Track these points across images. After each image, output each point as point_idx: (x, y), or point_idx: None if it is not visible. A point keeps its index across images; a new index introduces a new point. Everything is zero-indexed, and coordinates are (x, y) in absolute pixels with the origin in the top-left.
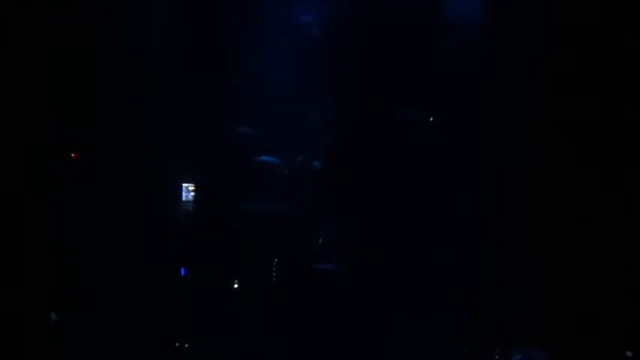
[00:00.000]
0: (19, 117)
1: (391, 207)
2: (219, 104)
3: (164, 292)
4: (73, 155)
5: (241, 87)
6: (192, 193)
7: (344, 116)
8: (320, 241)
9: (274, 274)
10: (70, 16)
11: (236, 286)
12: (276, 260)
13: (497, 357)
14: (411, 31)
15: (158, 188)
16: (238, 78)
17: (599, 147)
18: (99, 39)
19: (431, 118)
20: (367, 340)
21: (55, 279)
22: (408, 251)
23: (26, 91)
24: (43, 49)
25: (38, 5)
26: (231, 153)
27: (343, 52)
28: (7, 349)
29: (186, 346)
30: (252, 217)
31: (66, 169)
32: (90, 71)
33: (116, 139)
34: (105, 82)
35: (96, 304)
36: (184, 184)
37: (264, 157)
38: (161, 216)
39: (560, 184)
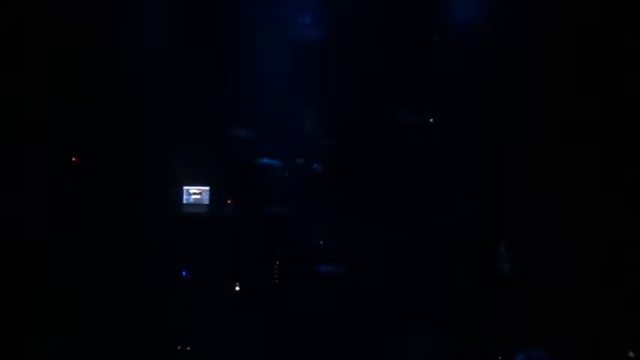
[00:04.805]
0: (19, 120)
1: (392, 207)
2: (220, 107)
3: (165, 294)
4: (74, 159)
5: (241, 90)
6: (194, 196)
7: (344, 117)
8: (321, 243)
9: (276, 275)
10: (70, 16)
11: (237, 288)
12: (277, 262)
13: (500, 357)
14: (411, 31)
15: (159, 191)
16: (238, 81)
17: (599, 147)
18: (99, 39)
19: (431, 120)
20: (369, 340)
21: (57, 281)
22: (409, 251)
23: (26, 94)
24: (43, 51)
25: (38, 5)
26: (231, 156)
27: (342, 52)
28: (8, 350)
29: (188, 348)
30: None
31: (67, 172)
32: (89, 73)
33: (117, 142)
34: (105, 84)
35: (98, 306)
36: (185, 187)
37: (265, 160)
38: (162, 218)
39: (562, 182)
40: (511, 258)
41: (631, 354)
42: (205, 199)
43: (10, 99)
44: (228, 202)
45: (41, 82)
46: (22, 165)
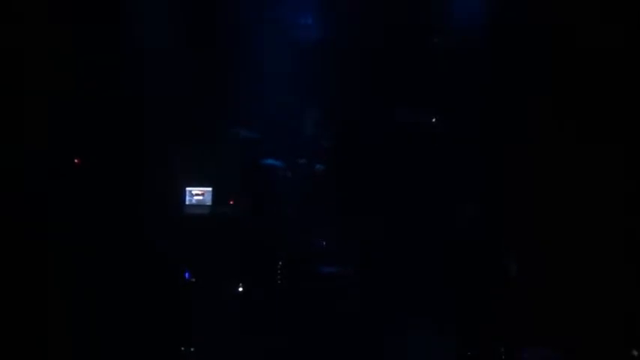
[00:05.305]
0: (20, 121)
1: (394, 208)
2: (220, 108)
3: (167, 296)
4: (76, 161)
5: (241, 90)
6: (196, 197)
7: (345, 117)
8: (324, 244)
9: (279, 276)
10: (70, 16)
11: (240, 289)
12: (280, 263)
13: (503, 357)
14: (411, 31)
15: (161, 192)
16: (238, 81)
17: (602, 149)
18: (99, 39)
19: (433, 119)
20: (371, 341)
21: (59, 283)
22: (411, 253)
23: (27, 95)
24: (43, 51)
25: (38, 5)
26: (234, 156)
27: (343, 52)
28: (9, 350)
29: (191, 349)
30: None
31: (67, 172)
32: (89, 73)
33: (117, 143)
34: (105, 84)
35: (100, 308)
36: (188, 188)
37: (268, 161)
38: (165, 220)
39: (563, 182)
40: (515, 259)
41: (635, 353)
42: (208, 200)
43: (10, 99)
44: (230, 202)
45: (41, 82)
46: (22, 165)
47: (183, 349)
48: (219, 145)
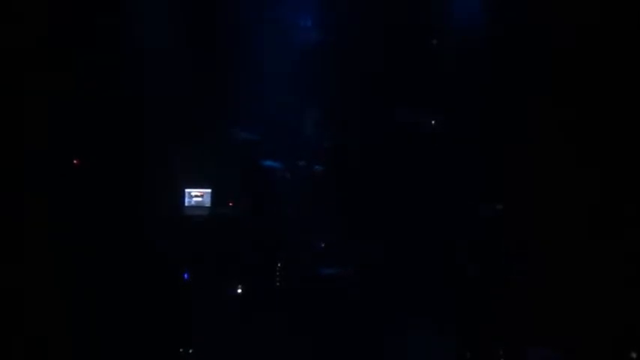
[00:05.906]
0: (20, 121)
1: (394, 208)
2: (220, 108)
3: (168, 297)
4: (75, 162)
5: (241, 91)
6: (195, 198)
7: (345, 118)
8: (323, 245)
9: (278, 278)
10: (70, 16)
11: (239, 291)
12: (279, 264)
13: (502, 357)
14: (412, 31)
15: (160, 193)
16: (238, 81)
17: (601, 150)
18: (99, 39)
19: (433, 120)
20: (371, 341)
21: (59, 282)
22: (411, 254)
23: (27, 95)
24: (42, 51)
25: (38, 5)
26: (233, 157)
27: (344, 53)
28: (8, 351)
29: (190, 351)
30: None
31: (67, 172)
32: (89, 73)
33: (117, 144)
34: (105, 84)
35: (100, 308)
36: (187, 190)
37: (268, 162)
38: (164, 221)
39: (563, 184)
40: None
41: (634, 355)
42: (207, 201)
43: (10, 99)
44: (230, 204)
45: (41, 82)
46: (22, 165)
47: (182, 349)
48: (219, 146)
